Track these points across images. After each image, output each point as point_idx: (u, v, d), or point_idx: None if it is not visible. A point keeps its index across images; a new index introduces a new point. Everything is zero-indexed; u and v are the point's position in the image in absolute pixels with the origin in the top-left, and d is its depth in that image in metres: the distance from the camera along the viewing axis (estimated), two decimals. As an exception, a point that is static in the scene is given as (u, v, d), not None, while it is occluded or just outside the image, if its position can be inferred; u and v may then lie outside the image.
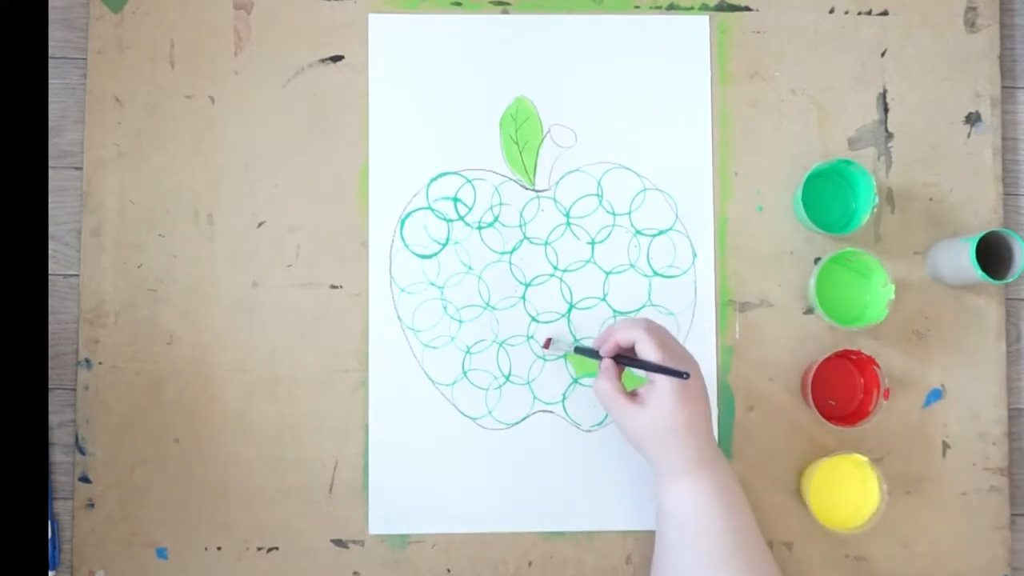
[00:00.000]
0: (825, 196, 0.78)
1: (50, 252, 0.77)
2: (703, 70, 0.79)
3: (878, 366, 0.74)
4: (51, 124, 0.78)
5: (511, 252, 0.78)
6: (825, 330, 0.78)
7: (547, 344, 0.76)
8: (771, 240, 0.78)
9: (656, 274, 0.78)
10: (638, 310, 0.78)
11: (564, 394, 0.77)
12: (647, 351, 0.67)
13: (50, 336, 0.76)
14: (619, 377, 0.69)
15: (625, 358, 0.70)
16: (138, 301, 0.77)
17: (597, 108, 0.79)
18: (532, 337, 0.77)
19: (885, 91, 0.79)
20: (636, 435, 0.68)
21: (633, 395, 0.68)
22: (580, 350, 0.74)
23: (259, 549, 0.76)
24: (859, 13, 0.80)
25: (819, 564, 0.76)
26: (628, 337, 0.69)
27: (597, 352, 0.71)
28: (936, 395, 0.78)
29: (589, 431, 0.77)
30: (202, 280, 0.77)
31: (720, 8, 0.79)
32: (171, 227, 0.77)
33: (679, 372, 0.66)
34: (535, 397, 0.77)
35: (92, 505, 0.75)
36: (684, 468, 0.67)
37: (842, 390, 0.77)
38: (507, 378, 0.77)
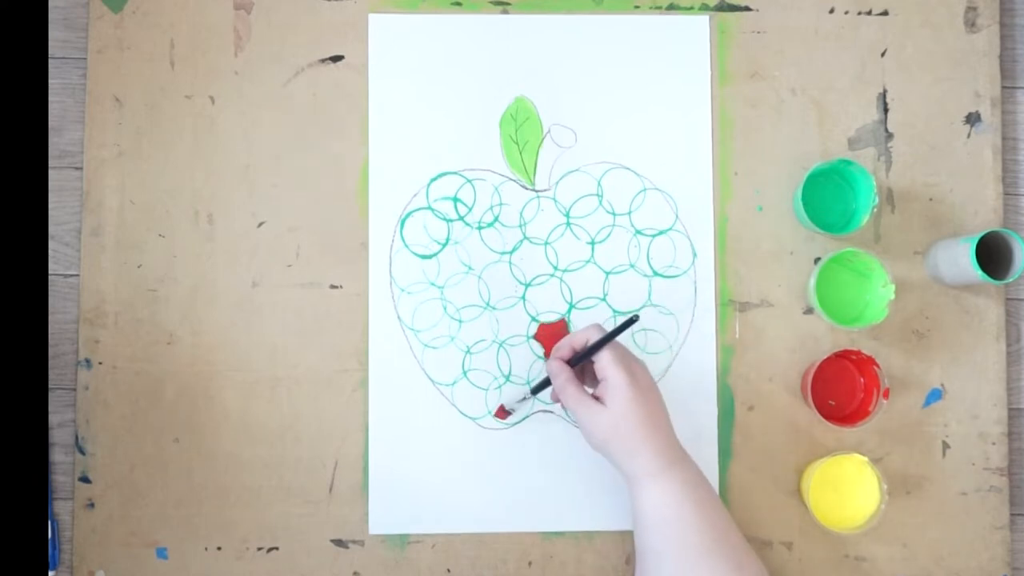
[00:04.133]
0: (825, 196, 0.78)
1: (50, 252, 0.77)
2: (703, 70, 0.79)
3: (878, 366, 0.74)
4: (51, 124, 0.78)
5: (511, 252, 0.78)
6: (825, 330, 0.78)
7: (501, 413, 0.76)
8: (771, 240, 0.78)
9: (656, 274, 0.78)
10: (638, 310, 0.77)
11: (564, 394, 0.77)
12: (597, 338, 0.69)
13: (50, 336, 0.76)
14: (573, 375, 0.70)
15: (574, 357, 0.70)
16: (138, 301, 0.77)
17: (597, 108, 0.79)
18: (532, 337, 0.77)
19: (885, 91, 0.79)
20: (602, 435, 0.68)
21: (593, 397, 0.69)
22: (536, 388, 0.74)
23: (259, 549, 0.76)
24: (859, 13, 0.80)
25: (819, 564, 0.76)
26: (583, 338, 0.70)
27: (547, 380, 0.72)
28: (936, 395, 0.78)
29: (589, 431, 0.77)
30: (202, 280, 0.77)
31: (720, 8, 0.79)
32: (171, 227, 0.77)
33: (629, 320, 0.67)
34: (535, 397, 0.77)
35: (92, 505, 0.75)
36: (653, 469, 0.67)
37: (842, 390, 0.77)
38: (507, 378, 0.77)
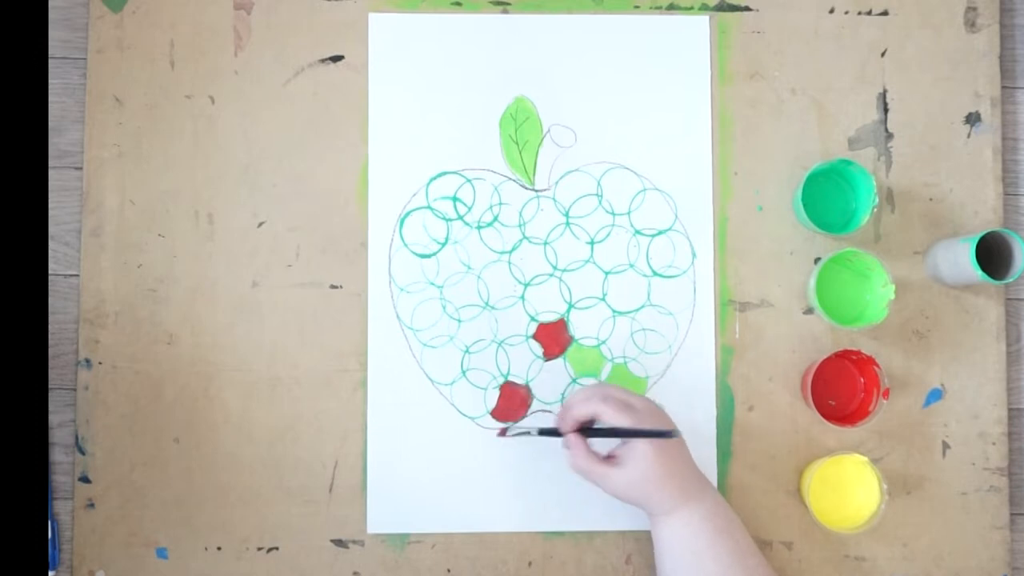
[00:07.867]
0: (825, 196, 0.78)
1: (50, 252, 0.77)
2: (703, 70, 0.79)
3: (878, 366, 0.74)
4: (51, 124, 0.78)
5: (510, 252, 0.78)
6: (825, 330, 0.78)
7: (503, 432, 0.75)
8: (771, 240, 0.78)
9: (656, 274, 0.78)
10: (637, 310, 0.77)
11: (563, 394, 0.77)
12: (614, 419, 0.68)
13: (50, 336, 0.76)
14: (587, 446, 0.69)
15: (593, 430, 0.70)
16: (138, 301, 0.77)
17: (597, 108, 0.79)
18: (531, 337, 0.77)
19: (885, 91, 0.79)
20: (620, 492, 0.69)
21: (609, 458, 0.69)
22: (544, 432, 0.72)
23: (259, 549, 0.76)
24: (859, 13, 0.80)
25: (819, 564, 0.76)
26: (587, 412, 0.69)
27: (558, 431, 0.71)
28: (936, 395, 0.78)
29: (589, 431, 0.77)
30: (202, 280, 0.77)
31: (720, 8, 0.79)
32: (171, 227, 0.77)
33: (664, 432, 0.66)
34: (534, 397, 0.77)
35: (92, 505, 0.75)
36: (671, 507, 0.69)
37: (842, 390, 0.77)
38: (506, 378, 0.77)
